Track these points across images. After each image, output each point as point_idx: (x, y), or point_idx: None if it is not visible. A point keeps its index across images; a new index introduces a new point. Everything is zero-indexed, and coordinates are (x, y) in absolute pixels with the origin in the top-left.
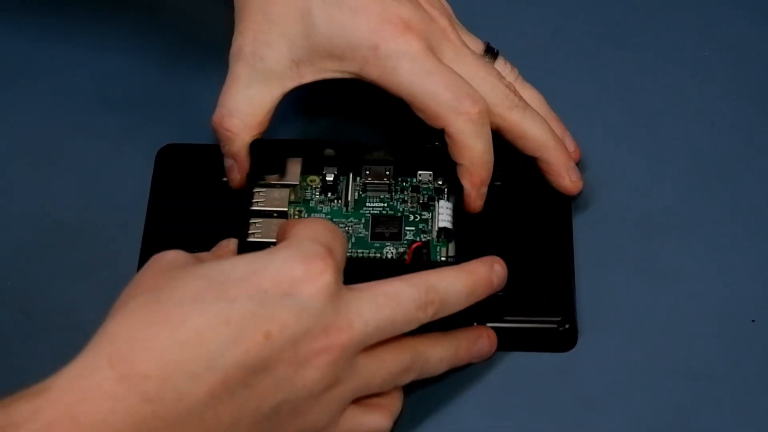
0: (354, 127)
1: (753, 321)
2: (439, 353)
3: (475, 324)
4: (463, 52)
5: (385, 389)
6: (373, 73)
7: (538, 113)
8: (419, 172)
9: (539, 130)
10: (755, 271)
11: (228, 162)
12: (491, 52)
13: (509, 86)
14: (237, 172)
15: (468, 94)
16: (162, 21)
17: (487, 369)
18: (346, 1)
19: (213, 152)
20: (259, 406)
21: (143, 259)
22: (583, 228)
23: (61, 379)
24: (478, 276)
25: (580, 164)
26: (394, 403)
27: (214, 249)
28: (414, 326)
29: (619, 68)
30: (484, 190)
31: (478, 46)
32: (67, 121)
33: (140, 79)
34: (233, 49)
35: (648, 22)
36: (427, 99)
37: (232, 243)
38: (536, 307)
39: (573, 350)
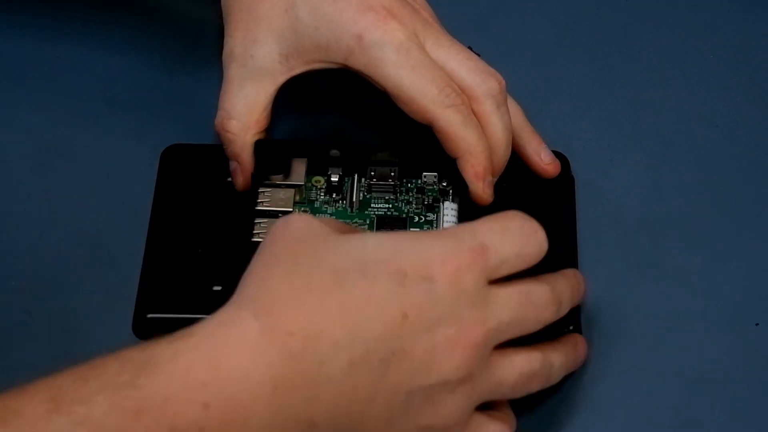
0: (359, 128)
1: (757, 324)
2: (560, 359)
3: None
4: (443, 38)
5: (516, 394)
6: (359, 63)
7: (509, 115)
8: (424, 173)
9: (500, 132)
10: (759, 275)
11: (233, 164)
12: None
13: (492, 73)
14: (240, 174)
15: (452, 87)
16: (168, 21)
17: None
18: None
19: (218, 152)
20: (395, 388)
21: (147, 260)
22: (587, 231)
23: (204, 327)
24: (579, 279)
25: (582, 167)
26: (512, 418)
27: None
28: (541, 326)
29: (624, 71)
30: (490, 179)
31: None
32: (72, 122)
33: (145, 79)
34: (225, 53)
35: (653, 25)
36: (414, 93)
37: None
38: None
39: None
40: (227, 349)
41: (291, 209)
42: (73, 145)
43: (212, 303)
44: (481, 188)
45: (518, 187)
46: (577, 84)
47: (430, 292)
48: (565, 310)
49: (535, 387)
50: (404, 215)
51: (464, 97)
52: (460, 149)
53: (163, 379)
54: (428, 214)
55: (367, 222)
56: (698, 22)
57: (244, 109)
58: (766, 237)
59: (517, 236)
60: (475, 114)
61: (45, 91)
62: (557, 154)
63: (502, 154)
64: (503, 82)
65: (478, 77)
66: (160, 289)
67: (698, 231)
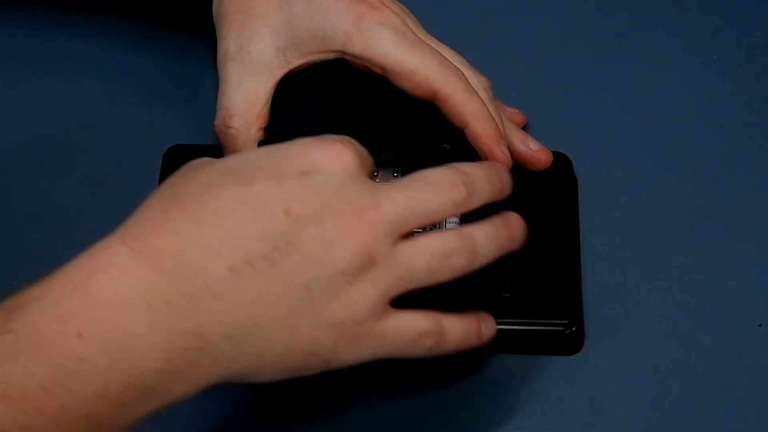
0: (361, 129)
1: (760, 325)
2: (483, 231)
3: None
4: (432, 38)
5: (437, 276)
6: (357, 47)
7: (497, 110)
8: None
9: (478, 101)
10: (762, 276)
11: None
12: None
13: (479, 73)
14: None
15: (450, 62)
16: (171, 20)
17: (494, 372)
18: None
19: (220, 153)
20: (289, 285)
21: None
22: (590, 232)
23: (72, 262)
24: (492, 166)
25: (585, 168)
26: (450, 319)
27: None
28: (450, 207)
29: (627, 71)
30: (503, 146)
31: None
32: (75, 121)
33: (148, 79)
34: (220, 54)
35: (656, 26)
36: (416, 65)
37: None
38: (543, 310)
39: (580, 354)
40: (94, 276)
41: None
42: (75, 145)
43: None
44: (498, 150)
45: (520, 189)
46: (579, 85)
47: (313, 183)
48: (481, 196)
49: (458, 264)
50: None
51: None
52: (467, 115)
53: (33, 318)
54: None
55: None
56: (701, 22)
57: (245, 105)
58: None
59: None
60: (447, 92)
61: (47, 90)
62: (559, 155)
63: (487, 114)
64: (489, 81)
65: (468, 71)
66: None
67: (702, 231)
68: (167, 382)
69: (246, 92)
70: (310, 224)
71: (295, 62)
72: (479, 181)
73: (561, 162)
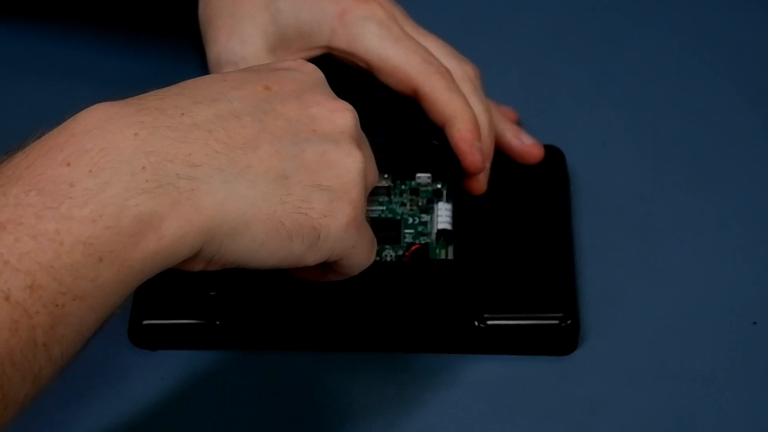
0: None
1: (754, 323)
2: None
3: None
4: (420, 28)
5: None
6: (342, 42)
7: (485, 99)
8: (418, 174)
9: (480, 113)
10: (756, 273)
11: None
12: None
13: (467, 61)
14: None
15: (434, 59)
16: (164, 26)
17: (489, 373)
18: None
19: None
20: (277, 140)
21: None
22: (584, 230)
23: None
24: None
25: (579, 161)
26: None
27: None
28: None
29: (621, 69)
30: (479, 145)
31: None
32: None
33: (139, 86)
34: (211, 61)
35: (649, 24)
36: (399, 62)
37: None
38: (537, 304)
39: (574, 354)
40: (80, 116)
41: None
42: None
43: (208, 309)
44: (470, 154)
45: (512, 184)
46: (573, 82)
47: (290, 74)
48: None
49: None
50: (398, 217)
51: (447, 69)
52: (446, 114)
53: (20, 158)
54: (422, 215)
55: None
56: (695, 20)
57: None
58: (764, 236)
59: None
60: (426, 89)
61: (42, 92)
62: (552, 149)
63: (486, 135)
64: (478, 69)
65: (454, 61)
66: (156, 296)
67: (695, 229)
68: (160, 210)
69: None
70: (293, 99)
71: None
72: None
73: (554, 156)
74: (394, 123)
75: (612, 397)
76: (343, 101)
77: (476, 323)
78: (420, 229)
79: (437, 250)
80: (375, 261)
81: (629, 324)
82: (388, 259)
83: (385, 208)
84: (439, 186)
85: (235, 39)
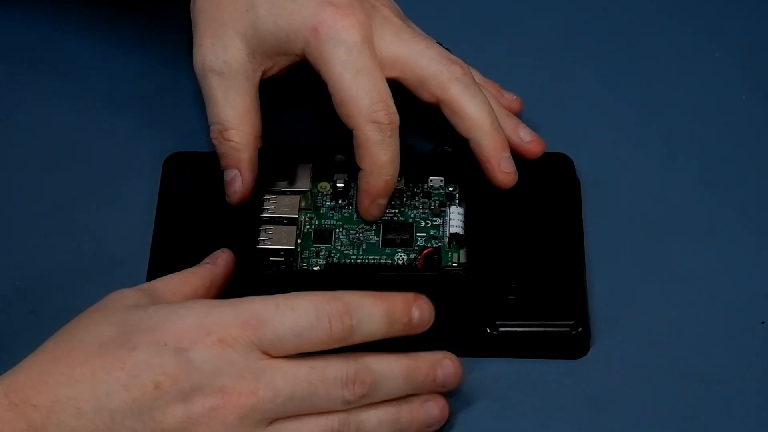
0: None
1: (763, 323)
2: (376, 417)
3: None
4: (404, 32)
5: None
6: (312, 55)
7: (482, 92)
8: (430, 177)
9: (476, 110)
10: (765, 273)
11: (230, 174)
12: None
13: (455, 60)
14: (241, 182)
15: (385, 103)
16: (173, 26)
17: (501, 375)
18: None
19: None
20: None
21: (152, 267)
22: (594, 232)
23: None
24: (420, 363)
25: (588, 166)
26: None
27: (206, 259)
28: (339, 404)
29: (629, 71)
30: (382, 201)
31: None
32: (74, 128)
33: (148, 84)
34: (196, 64)
35: (657, 25)
36: (346, 99)
37: (225, 254)
38: (549, 311)
39: (586, 356)
40: None
41: (296, 216)
42: (75, 152)
43: None
44: (366, 206)
45: (524, 191)
46: (581, 85)
47: (187, 362)
48: (391, 390)
49: None
50: (411, 220)
51: (394, 116)
52: (365, 164)
53: None
54: (435, 218)
55: (374, 227)
56: (703, 20)
57: (238, 118)
58: None
59: (302, 318)
60: (444, 101)
61: (47, 95)
62: (562, 157)
63: (488, 132)
64: (466, 66)
65: (439, 64)
66: None
67: (704, 230)
68: None
69: (235, 105)
70: (177, 402)
71: (264, 65)
72: (389, 379)
73: (563, 163)
74: (408, 126)
75: (622, 397)
76: (251, 378)
77: (488, 330)
78: (432, 232)
79: (449, 254)
80: (387, 264)
81: (639, 325)
82: (400, 262)
83: (397, 211)
84: (451, 189)
85: (218, 43)
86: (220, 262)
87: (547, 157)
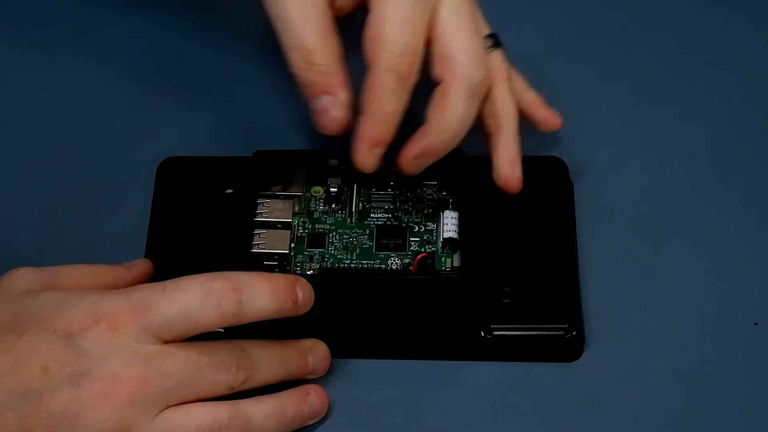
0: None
1: (756, 324)
2: (264, 411)
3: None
4: (465, 13)
5: None
6: None
7: (466, 107)
8: (424, 182)
9: (449, 114)
10: (758, 274)
11: (323, 101)
12: (495, 39)
13: (482, 64)
14: (339, 105)
15: (412, 58)
16: (166, 30)
17: (495, 378)
18: None
19: (214, 164)
20: None
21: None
22: (587, 235)
23: None
24: (290, 350)
25: (581, 169)
26: None
27: (125, 263)
28: (223, 388)
29: (621, 72)
30: (379, 151)
31: (486, 28)
32: (68, 130)
33: (142, 89)
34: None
35: (649, 25)
36: (381, 38)
37: (144, 263)
38: (543, 315)
39: (580, 359)
40: None
41: (290, 220)
42: (69, 154)
43: None
44: (363, 154)
45: (517, 194)
46: (573, 88)
47: (75, 347)
48: (263, 379)
49: None
50: (404, 225)
51: (415, 73)
52: (370, 106)
53: None
54: (428, 223)
55: (367, 232)
56: (695, 21)
57: (321, 40)
58: (765, 237)
59: (190, 298)
60: (439, 89)
61: (40, 99)
62: (555, 160)
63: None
64: (487, 73)
65: (468, 61)
66: None
67: (697, 231)
68: None
69: (316, 24)
70: (65, 385)
71: None
72: (266, 364)
73: (556, 166)
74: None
75: (617, 399)
76: (141, 364)
77: (482, 333)
78: (426, 237)
79: (443, 259)
80: (381, 269)
81: (633, 327)
82: (394, 267)
83: (390, 215)
84: (444, 194)
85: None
86: (134, 269)
87: (540, 160)
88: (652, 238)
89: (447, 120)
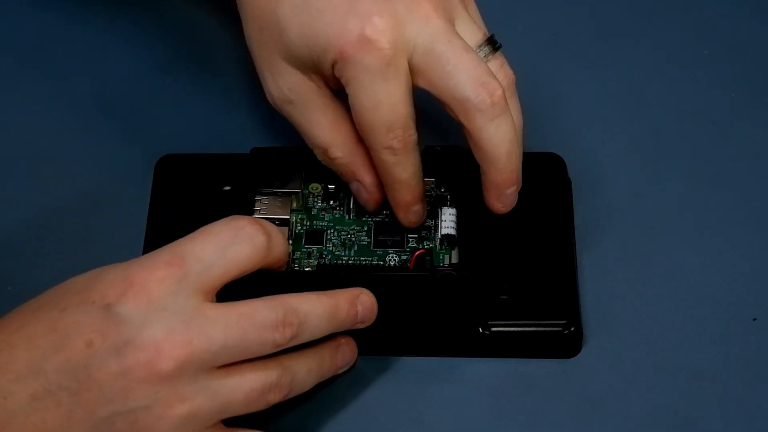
0: None
1: (754, 319)
2: (305, 366)
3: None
4: (440, 41)
5: (251, 409)
6: (343, 77)
7: (507, 123)
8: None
9: (494, 145)
10: (756, 270)
11: (353, 186)
12: (491, 45)
13: (487, 84)
14: (365, 189)
15: (401, 130)
16: (163, 28)
17: (493, 374)
18: (312, 3)
19: (212, 161)
20: (90, 416)
21: None
22: (585, 232)
23: None
24: (340, 301)
25: (579, 165)
26: None
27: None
28: (270, 348)
29: (619, 69)
30: (416, 208)
31: (475, 36)
32: (65, 129)
33: (140, 86)
34: (269, 100)
35: (647, 23)
36: (365, 126)
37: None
38: (541, 311)
39: (578, 356)
40: None
41: (288, 216)
42: (66, 153)
43: None
44: (403, 216)
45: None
46: (571, 84)
47: (114, 316)
48: (313, 334)
49: (273, 399)
50: None
51: (409, 139)
52: (386, 180)
53: None
54: (427, 220)
55: (365, 228)
56: (692, 18)
57: (328, 133)
58: (762, 233)
59: (221, 237)
60: (465, 128)
61: (37, 98)
62: (553, 156)
63: (503, 166)
64: (498, 91)
65: (467, 89)
66: None
67: (696, 228)
68: None
69: (320, 124)
70: (110, 357)
71: (316, 80)
72: (314, 319)
73: (554, 163)
74: None
75: (615, 395)
76: (183, 329)
77: (481, 330)
78: (423, 233)
79: (441, 256)
80: (379, 266)
81: (631, 323)
82: (392, 263)
83: (389, 212)
84: (443, 191)
85: (274, 74)
86: None
87: (538, 156)
88: (650, 233)
89: (492, 154)
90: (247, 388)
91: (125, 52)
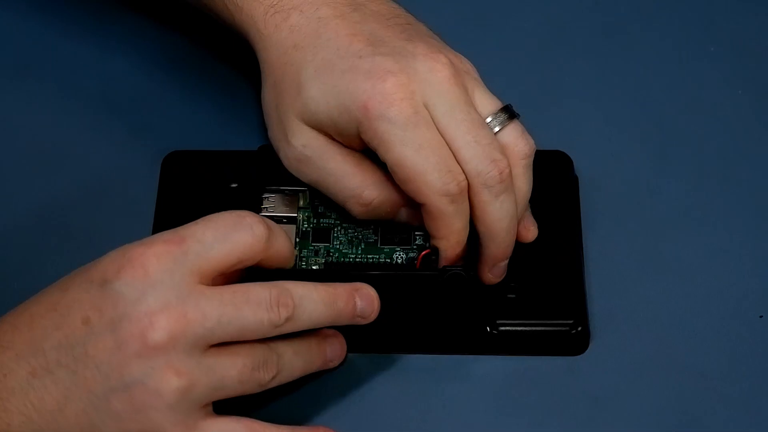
0: None
1: (761, 316)
2: (291, 347)
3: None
4: (459, 108)
5: (246, 388)
6: (368, 134)
7: (509, 200)
8: None
9: (495, 221)
10: (763, 267)
11: (401, 215)
12: (508, 113)
13: (496, 161)
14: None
15: (452, 173)
16: (171, 24)
17: (500, 371)
18: (336, 65)
19: (219, 158)
20: (88, 392)
21: None
22: (592, 230)
23: None
24: (339, 290)
25: (586, 163)
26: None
27: None
28: (266, 327)
29: (625, 66)
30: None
31: (492, 105)
32: (72, 126)
33: (146, 84)
34: (286, 164)
35: (653, 19)
36: (413, 176)
37: None
38: (548, 310)
39: (585, 353)
40: None
41: (295, 214)
42: (74, 147)
43: None
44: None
45: None
46: (577, 81)
47: (111, 292)
48: (309, 319)
49: (266, 378)
50: None
51: (463, 183)
52: (440, 232)
53: None
54: None
55: (372, 226)
56: (698, 14)
57: (355, 182)
58: None
59: (221, 223)
60: (472, 200)
61: (45, 94)
62: (560, 154)
63: (502, 240)
64: (507, 169)
65: (478, 164)
66: None
67: (702, 226)
68: None
69: (344, 175)
70: (106, 333)
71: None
72: (309, 303)
73: (561, 161)
74: None
75: (621, 393)
76: (178, 304)
77: (488, 329)
78: None
79: None
80: (386, 263)
81: (638, 322)
82: (399, 261)
83: None
84: None
85: (289, 135)
86: None
87: (545, 154)
88: (656, 231)
89: (493, 229)
90: (240, 364)
91: (133, 49)
